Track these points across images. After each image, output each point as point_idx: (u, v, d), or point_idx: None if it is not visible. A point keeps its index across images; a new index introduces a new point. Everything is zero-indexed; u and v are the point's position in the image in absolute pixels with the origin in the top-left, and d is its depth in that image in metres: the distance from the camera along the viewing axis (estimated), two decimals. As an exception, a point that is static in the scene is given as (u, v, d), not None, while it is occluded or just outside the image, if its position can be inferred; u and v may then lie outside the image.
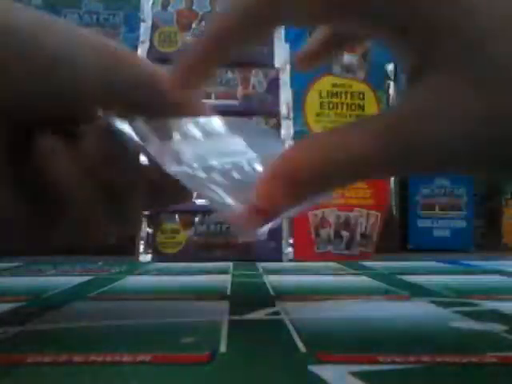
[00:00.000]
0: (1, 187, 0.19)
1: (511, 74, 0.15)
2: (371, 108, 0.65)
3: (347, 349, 0.18)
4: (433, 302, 0.28)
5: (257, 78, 0.65)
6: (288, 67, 0.65)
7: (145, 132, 0.19)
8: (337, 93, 0.65)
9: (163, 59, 0.61)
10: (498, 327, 0.22)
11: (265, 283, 0.36)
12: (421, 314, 0.26)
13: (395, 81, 0.68)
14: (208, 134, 0.22)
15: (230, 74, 0.64)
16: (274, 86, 0.64)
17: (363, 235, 0.62)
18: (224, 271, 0.44)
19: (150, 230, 0.60)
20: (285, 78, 0.65)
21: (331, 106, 0.64)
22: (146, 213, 0.60)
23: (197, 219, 0.60)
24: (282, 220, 0.20)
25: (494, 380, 0.15)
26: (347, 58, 0.66)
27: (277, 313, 0.25)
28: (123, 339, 0.20)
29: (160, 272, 0.46)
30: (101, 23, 0.77)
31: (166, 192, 0.23)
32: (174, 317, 0.25)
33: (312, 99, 0.64)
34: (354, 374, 0.15)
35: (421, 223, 0.77)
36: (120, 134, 0.19)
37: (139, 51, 0.65)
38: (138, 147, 0.20)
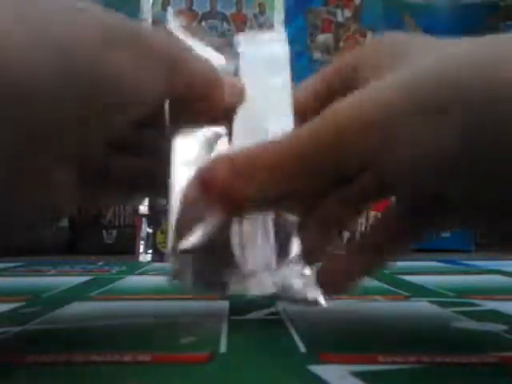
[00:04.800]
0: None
1: None
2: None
3: (347, 349, 0.18)
4: (433, 302, 0.28)
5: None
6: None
7: None
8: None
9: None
10: (497, 327, 0.22)
11: (265, 283, 0.36)
12: (421, 314, 0.26)
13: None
14: None
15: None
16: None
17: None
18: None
19: (150, 230, 0.60)
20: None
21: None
22: (147, 213, 0.60)
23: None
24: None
25: (494, 380, 0.15)
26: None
27: (277, 313, 0.25)
28: (123, 339, 0.20)
29: (160, 272, 0.46)
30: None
31: None
32: (174, 317, 0.25)
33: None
34: (354, 373, 0.15)
35: (421, 223, 0.77)
36: None
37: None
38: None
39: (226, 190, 0.18)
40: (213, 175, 0.18)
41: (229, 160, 0.18)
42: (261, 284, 0.20)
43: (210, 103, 0.21)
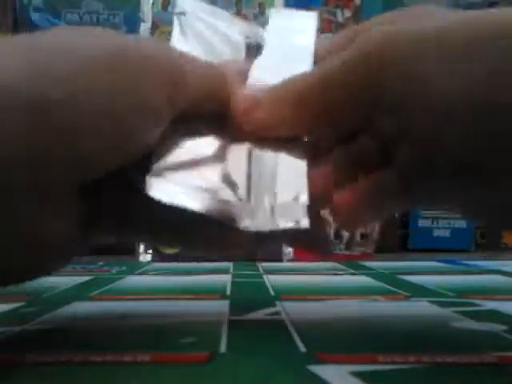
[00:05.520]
0: None
1: None
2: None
3: (347, 349, 0.18)
4: (433, 301, 0.28)
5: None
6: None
7: None
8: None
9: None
10: (497, 327, 0.22)
11: (265, 283, 0.36)
12: (421, 314, 0.26)
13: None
14: None
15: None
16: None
17: (363, 235, 0.62)
18: (224, 271, 0.44)
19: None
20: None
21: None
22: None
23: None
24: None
25: (494, 380, 0.15)
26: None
27: (277, 313, 0.25)
28: (123, 339, 0.20)
29: (160, 272, 0.46)
30: (101, 23, 0.77)
31: None
32: (174, 317, 0.25)
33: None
34: (354, 373, 0.15)
35: (421, 223, 0.77)
36: None
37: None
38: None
39: (250, 119, 0.20)
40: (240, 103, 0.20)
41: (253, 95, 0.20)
42: (259, 220, 0.19)
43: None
